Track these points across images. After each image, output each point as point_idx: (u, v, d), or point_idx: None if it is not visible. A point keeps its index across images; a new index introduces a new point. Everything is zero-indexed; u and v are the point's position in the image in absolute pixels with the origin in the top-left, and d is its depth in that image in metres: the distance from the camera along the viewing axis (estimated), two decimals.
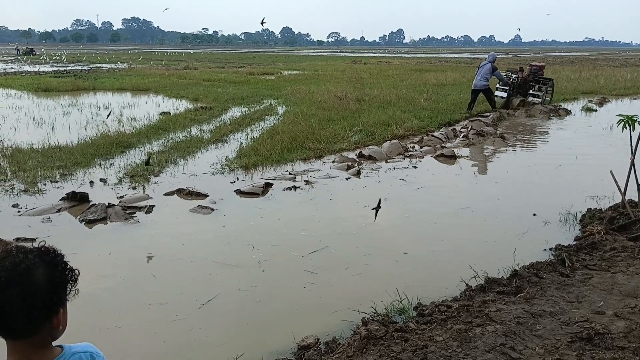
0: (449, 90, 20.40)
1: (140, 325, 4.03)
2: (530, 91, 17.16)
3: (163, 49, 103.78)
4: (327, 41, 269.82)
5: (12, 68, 36.74)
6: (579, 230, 5.91)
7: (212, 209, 6.52)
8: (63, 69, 35.45)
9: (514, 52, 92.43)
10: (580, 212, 6.37)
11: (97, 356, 1.45)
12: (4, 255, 1.27)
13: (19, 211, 6.35)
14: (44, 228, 5.84)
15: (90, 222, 5.96)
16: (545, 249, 5.36)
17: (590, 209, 6.39)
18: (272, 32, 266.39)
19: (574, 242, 5.44)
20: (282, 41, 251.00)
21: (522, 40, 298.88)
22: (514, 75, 16.70)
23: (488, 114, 14.96)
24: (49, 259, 1.31)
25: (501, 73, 16.15)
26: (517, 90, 16.87)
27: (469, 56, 72.74)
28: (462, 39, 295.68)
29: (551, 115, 15.50)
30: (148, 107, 15.89)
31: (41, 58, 52.63)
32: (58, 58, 51.74)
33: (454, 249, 5.48)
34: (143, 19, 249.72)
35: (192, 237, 5.73)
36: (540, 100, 16.83)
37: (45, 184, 7.47)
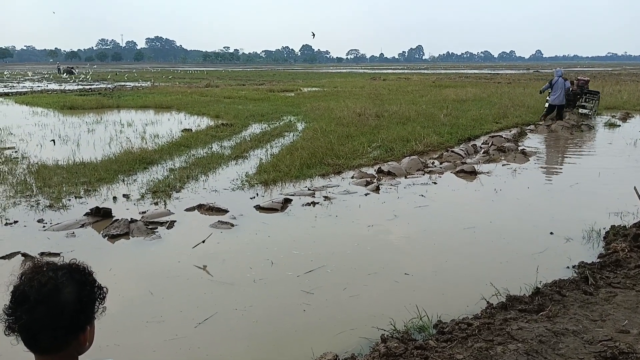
0: (469, 105, 20.33)
1: (139, 344, 4.03)
2: (578, 103, 18.16)
3: (185, 68, 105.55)
4: (347, 58, 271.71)
5: (38, 86, 37.76)
6: (603, 247, 5.80)
7: (232, 225, 6.58)
8: (88, 87, 36.31)
9: (536, 68, 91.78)
10: (604, 228, 6.26)
11: None
12: (34, 272, 1.30)
13: (44, 226, 6.49)
14: (67, 243, 5.95)
15: (113, 237, 6.06)
16: (568, 267, 5.27)
17: (614, 225, 6.28)
18: (292, 49, 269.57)
19: (598, 260, 5.34)
20: (301, 58, 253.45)
21: (544, 56, 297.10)
22: (571, 88, 17.35)
23: (510, 129, 14.88)
24: (79, 277, 1.34)
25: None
26: (572, 101, 17.87)
27: (489, 72, 72.48)
28: (482, 55, 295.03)
29: (573, 130, 15.32)
30: (170, 124, 16.17)
31: (68, 77, 54.03)
32: (83, 77, 53.04)
33: (471, 267, 5.42)
34: (166, 38, 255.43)
35: (202, 253, 5.79)
36: (587, 111, 17.86)
37: (69, 200, 7.63)
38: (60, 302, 1.27)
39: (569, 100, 17.45)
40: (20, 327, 1.26)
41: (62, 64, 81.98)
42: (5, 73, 68.28)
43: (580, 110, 17.93)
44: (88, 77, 52.48)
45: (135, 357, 3.87)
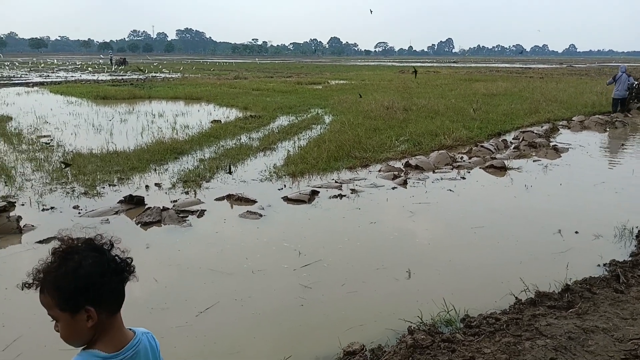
0: (499, 100, 20.03)
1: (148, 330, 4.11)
2: None
3: (214, 59, 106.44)
4: (375, 51, 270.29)
5: (72, 76, 38.65)
6: (635, 246, 5.70)
7: (261, 215, 6.67)
8: (120, 78, 37.00)
9: (569, 62, 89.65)
10: (637, 227, 6.13)
11: (154, 339, 1.63)
12: (86, 240, 1.44)
13: (79, 212, 6.70)
14: (102, 229, 6.12)
15: (145, 225, 6.21)
16: (598, 265, 5.20)
17: None
18: (320, 42, 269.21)
19: (630, 258, 5.25)
20: (329, 51, 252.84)
21: (577, 50, 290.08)
22: (635, 83, 18.19)
23: (542, 125, 14.63)
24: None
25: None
26: (637, 95, 18.45)
27: (521, 66, 71.09)
28: (514, 48, 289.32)
29: (607, 127, 14.99)
30: (200, 115, 16.38)
31: (102, 66, 55.05)
32: (113, 67, 54.00)
33: (499, 263, 5.40)
34: (196, 30, 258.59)
35: (223, 243, 5.89)
36: None
37: (103, 187, 7.83)
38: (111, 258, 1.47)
39: (636, 93, 18.29)
40: (121, 291, 1.45)
41: (115, 55, 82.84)
42: (55, 61, 69.67)
43: None
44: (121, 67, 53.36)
45: None
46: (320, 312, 4.39)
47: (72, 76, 39.15)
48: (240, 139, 11.97)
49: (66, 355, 3.81)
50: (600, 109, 18.15)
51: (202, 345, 3.90)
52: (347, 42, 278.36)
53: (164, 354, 1.71)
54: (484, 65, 75.40)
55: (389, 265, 5.28)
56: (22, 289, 1.41)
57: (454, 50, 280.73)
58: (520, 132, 13.24)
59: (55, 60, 70.99)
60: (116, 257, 1.45)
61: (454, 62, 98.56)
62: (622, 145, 12.63)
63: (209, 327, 4.14)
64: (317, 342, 3.94)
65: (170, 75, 39.88)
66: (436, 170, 9.31)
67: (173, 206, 6.82)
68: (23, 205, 7.00)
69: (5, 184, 7.97)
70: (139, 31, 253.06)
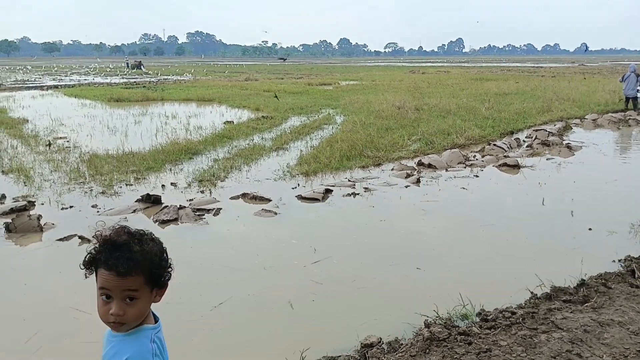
0: (511, 99, 19.95)
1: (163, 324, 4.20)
2: None
3: (225, 62, 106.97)
4: (385, 51, 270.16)
5: (85, 79, 39.09)
6: None
7: (276, 213, 6.75)
8: (132, 80, 37.35)
9: (580, 61, 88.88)
10: None
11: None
12: (120, 227, 1.56)
13: (98, 211, 6.82)
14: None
15: (163, 223, 6.32)
16: (614, 260, 5.21)
17: None
18: (330, 43, 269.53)
19: None
20: (339, 52, 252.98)
21: (590, 49, 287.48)
22: None
23: (555, 123, 14.58)
24: None
25: None
26: None
27: (532, 65, 70.65)
28: (525, 48, 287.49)
29: (621, 125, 14.90)
30: (213, 117, 16.53)
31: (110, 70, 55.56)
32: (127, 70, 54.53)
33: (514, 260, 5.43)
34: (206, 33, 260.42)
35: (245, 240, 5.98)
36: None
37: (120, 187, 7.97)
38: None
39: None
40: None
41: (131, 58, 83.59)
42: (92, 66, 70.28)
43: None
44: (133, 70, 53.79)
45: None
46: (332, 306, 4.46)
47: (85, 79, 39.60)
48: (253, 139, 12.08)
49: (86, 348, 3.90)
50: (614, 107, 18.06)
51: (218, 339, 3.98)
52: (356, 43, 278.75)
53: (179, 347, 1.84)
54: (495, 64, 75.01)
55: (401, 261, 5.33)
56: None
57: (464, 50, 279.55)
58: (533, 130, 13.20)
59: (96, 64, 71.30)
60: None
61: (465, 61, 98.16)
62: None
63: (223, 321, 4.22)
64: (332, 336, 3.99)
65: (182, 78, 40.21)
66: (449, 169, 9.33)
67: (189, 205, 6.92)
68: (43, 204, 7.14)
69: (24, 184, 8.14)
70: (150, 34, 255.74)
